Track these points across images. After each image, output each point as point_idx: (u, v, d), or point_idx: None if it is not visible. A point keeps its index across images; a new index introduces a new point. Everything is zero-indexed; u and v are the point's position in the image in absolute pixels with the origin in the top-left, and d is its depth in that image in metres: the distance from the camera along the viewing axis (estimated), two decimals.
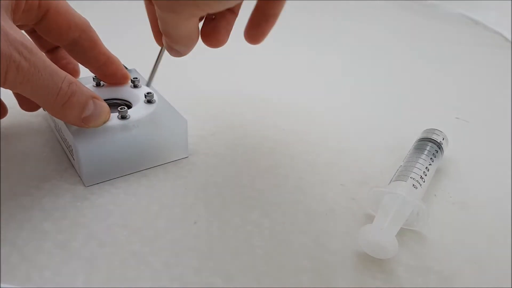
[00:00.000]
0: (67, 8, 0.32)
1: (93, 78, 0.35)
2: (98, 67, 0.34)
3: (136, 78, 0.35)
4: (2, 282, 0.23)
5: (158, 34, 0.30)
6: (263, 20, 0.32)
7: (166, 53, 0.30)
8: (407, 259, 0.26)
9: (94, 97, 0.29)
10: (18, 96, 0.35)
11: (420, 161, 0.31)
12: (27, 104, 0.35)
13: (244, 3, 0.28)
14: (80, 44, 0.32)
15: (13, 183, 0.30)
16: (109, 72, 0.34)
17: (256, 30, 0.32)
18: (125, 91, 0.35)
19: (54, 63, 0.27)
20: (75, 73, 0.36)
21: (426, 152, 0.32)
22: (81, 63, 0.34)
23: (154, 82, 0.34)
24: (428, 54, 0.56)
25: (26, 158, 0.33)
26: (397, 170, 0.31)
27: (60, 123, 0.31)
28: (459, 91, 0.47)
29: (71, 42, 0.32)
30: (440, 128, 0.35)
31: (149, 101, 0.33)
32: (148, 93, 0.33)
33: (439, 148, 0.33)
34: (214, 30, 0.30)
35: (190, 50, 0.29)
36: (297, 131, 0.38)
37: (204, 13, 0.26)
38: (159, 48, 0.32)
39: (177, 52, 0.29)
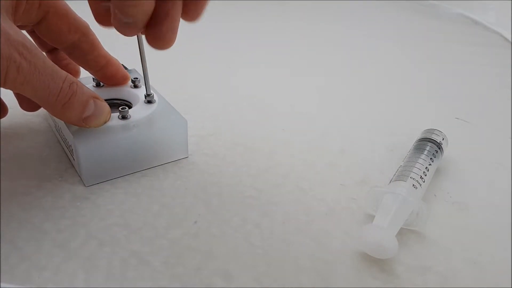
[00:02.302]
0: (67, 10, 0.32)
1: (93, 78, 0.35)
2: (98, 69, 0.34)
3: (136, 78, 0.35)
4: (2, 282, 0.23)
5: (100, 14, 0.27)
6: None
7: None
8: (407, 259, 0.26)
9: (94, 97, 0.29)
10: (18, 96, 0.35)
11: (420, 161, 0.31)
12: (27, 104, 0.35)
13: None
14: (79, 47, 0.32)
15: (13, 183, 0.30)
16: (109, 74, 0.34)
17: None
18: (125, 91, 0.35)
19: (54, 63, 0.27)
20: (75, 73, 0.36)
21: (426, 152, 0.32)
22: (80, 66, 0.34)
23: (154, 82, 0.34)
24: (427, 54, 0.56)
25: (26, 158, 0.33)
26: (397, 170, 0.31)
27: (60, 123, 0.31)
28: (459, 91, 0.47)
29: (70, 45, 0.32)
30: (440, 128, 0.35)
31: (149, 101, 0.33)
32: (148, 93, 0.33)
33: (439, 148, 0.33)
34: (156, 22, 0.26)
35: (143, 19, 0.25)
36: (297, 131, 0.38)
37: None
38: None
39: (128, 26, 0.25)
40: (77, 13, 0.33)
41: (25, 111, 0.35)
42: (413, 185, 0.29)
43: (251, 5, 0.68)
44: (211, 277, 0.25)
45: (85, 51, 0.33)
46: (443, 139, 0.34)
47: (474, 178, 0.34)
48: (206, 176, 0.32)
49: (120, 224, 0.28)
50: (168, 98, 0.34)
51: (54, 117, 0.32)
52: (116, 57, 0.35)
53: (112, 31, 0.27)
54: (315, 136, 0.37)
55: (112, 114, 0.31)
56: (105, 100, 0.31)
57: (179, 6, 0.26)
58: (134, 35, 0.27)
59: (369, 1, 0.74)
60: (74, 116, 0.28)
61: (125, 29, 0.26)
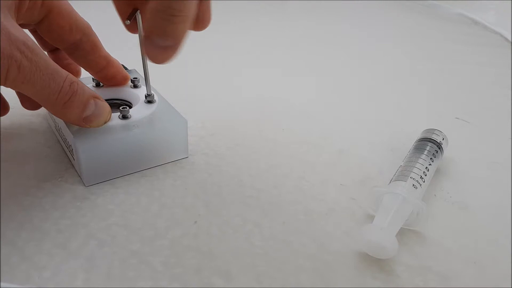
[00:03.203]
0: (70, 10, 0.32)
1: (92, 78, 0.35)
2: (99, 70, 0.34)
3: (136, 78, 0.35)
4: (2, 282, 0.23)
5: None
6: None
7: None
8: (407, 259, 0.26)
9: (95, 97, 0.29)
10: (19, 95, 0.35)
11: (420, 161, 0.31)
12: (28, 102, 0.35)
13: None
14: (81, 47, 0.32)
15: (13, 183, 0.30)
16: (110, 76, 0.34)
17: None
18: (125, 91, 0.35)
19: (56, 62, 0.27)
20: (76, 73, 0.36)
21: (426, 152, 0.32)
22: (81, 66, 0.34)
23: (154, 82, 0.34)
24: (428, 54, 0.56)
25: (26, 158, 0.33)
26: (397, 170, 0.31)
27: (61, 123, 0.31)
28: (459, 91, 0.47)
29: (72, 45, 0.32)
30: (440, 128, 0.35)
31: (149, 101, 0.33)
32: (148, 93, 0.33)
33: (439, 148, 0.33)
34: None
35: (184, 38, 0.24)
36: (297, 131, 0.38)
37: None
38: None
39: (166, 49, 0.24)
40: (79, 13, 0.33)
41: (25, 111, 0.35)
42: (413, 185, 0.29)
43: (251, 5, 0.68)
44: (211, 277, 0.25)
45: (86, 52, 0.33)
46: (443, 139, 0.34)
47: (474, 178, 0.34)
48: (206, 176, 0.32)
49: (120, 224, 0.28)
50: (168, 98, 0.34)
51: (54, 117, 0.32)
52: (116, 58, 0.35)
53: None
54: (315, 136, 0.37)
55: (112, 114, 0.31)
56: (105, 100, 0.31)
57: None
58: (170, 60, 0.24)
59: (369, 1, 0.74)
60: (75, 115, 0.28)
61: (163, 53, 0.24)
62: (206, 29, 0.27)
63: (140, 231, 0.27)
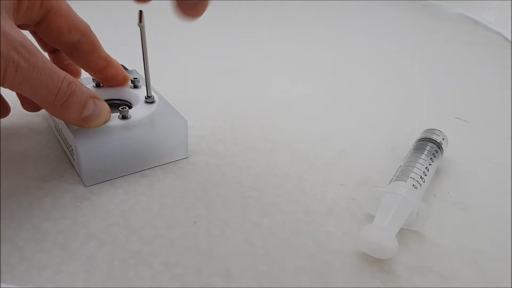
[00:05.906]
0: (68, 11, 0.32)
1: (92, 78, 0.35)
2: (98, 71, 0.34)
3: (136, 78, 0.35)
4: (2, 282, 0.23)
5: None
6: None
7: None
8: (407, 259, 0.26)
9: (94, 97, 0.29)
10: (20, 96, 0.35)
11: (420, 161, 0.31)
12: (29, 103, 0.35)
13: None
14: (80, 48, 0.32)
15: (13, 183, 0.30)
16: (110, 76, 0.34)
17: None
18: (125, 92, 0.35)
19: (56, 63, 0.27)
20: (76, 74, 0.36)
21: (426, 152, 0.32)
22: (81, 67, 0.34)
23: (153, 82, 0.34)
24: (428, 54, 0.56)
25: (26, 158, 0.33)
26: (397, 170, 0.31)
27: (61, 123, 0.31)
28: (459, 91, 0.47)
29: (71, 45, 0.32)
30: (440, 128, 0.35)
31: (149, 102, 0.33)
32: (148, 95, 0.33)
33: (439, 148, 0.33)
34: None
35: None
36: (297, 131, 0.38)
37: None
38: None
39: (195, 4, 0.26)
40: (79, 13, 0.33)
41: (25, 111, 0.35)
42: (413, 185, 0.29)
43: (250, 4, 0.68)
44: (211, 277, 0.25)
45: (85, 52, 0.33)
46: (443, 139, 0.34)
47: (474, 178, 0.34)
48: (206, 176, 0.32)
49: (120, 224, 0.28)
50: (168, 98, 0.34)
51: (54, 117, 0.32)
52: (116, 58, 0.35)
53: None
54: (315, 136, 0.37)
55: (112, 114, 0.31)
56: (105, 100, 0.31)
57: None
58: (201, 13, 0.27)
59: (369, 1, 0.74)
60: (73, 115, 0.28)
61: (192, 9, 0.26)
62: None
63: (140, 231, 0.27)
